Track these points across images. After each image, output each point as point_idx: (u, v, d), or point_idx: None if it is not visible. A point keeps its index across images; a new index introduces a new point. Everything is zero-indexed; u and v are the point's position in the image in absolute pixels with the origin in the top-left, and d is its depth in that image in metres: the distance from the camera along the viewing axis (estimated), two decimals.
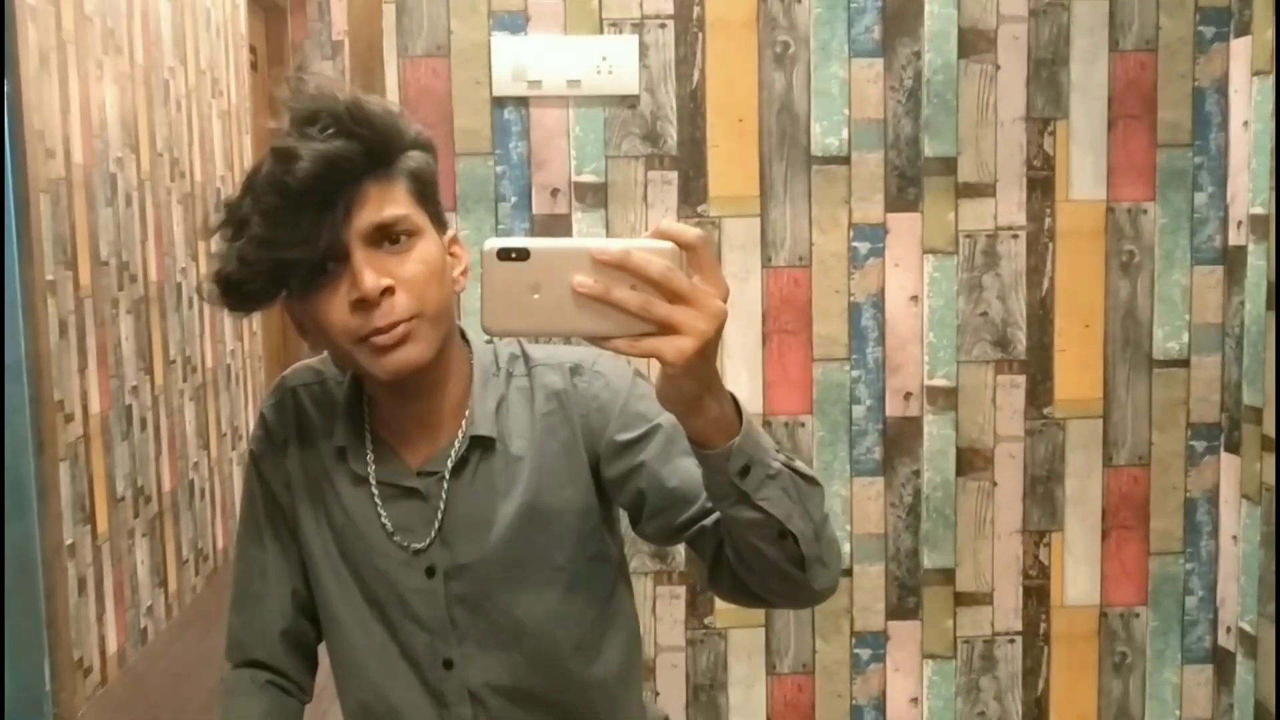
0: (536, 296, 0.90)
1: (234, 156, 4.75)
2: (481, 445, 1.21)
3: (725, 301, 0.91)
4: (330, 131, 1.10)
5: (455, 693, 1.23)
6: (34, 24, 2.92)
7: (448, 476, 1.20)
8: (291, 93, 1.13)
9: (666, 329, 0.89)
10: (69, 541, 3.04)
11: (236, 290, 1.13)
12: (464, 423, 1.21)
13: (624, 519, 1.26)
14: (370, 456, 1.22)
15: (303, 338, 1.20)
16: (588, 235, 1.98)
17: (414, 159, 1.15)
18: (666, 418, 1.18)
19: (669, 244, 0.90)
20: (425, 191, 1.16)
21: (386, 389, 1.19)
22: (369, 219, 1.11)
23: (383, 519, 1.21)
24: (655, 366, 0.92)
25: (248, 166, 4.92)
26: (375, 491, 1.22)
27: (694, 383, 0.93)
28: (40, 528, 2.88)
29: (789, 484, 1.01)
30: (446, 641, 1.22)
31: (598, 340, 0.92)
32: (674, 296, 0.89)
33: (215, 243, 1.15)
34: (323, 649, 1.32)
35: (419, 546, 1.21)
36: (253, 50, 5.07)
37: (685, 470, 1.14)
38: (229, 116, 4.69)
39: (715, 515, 1.10)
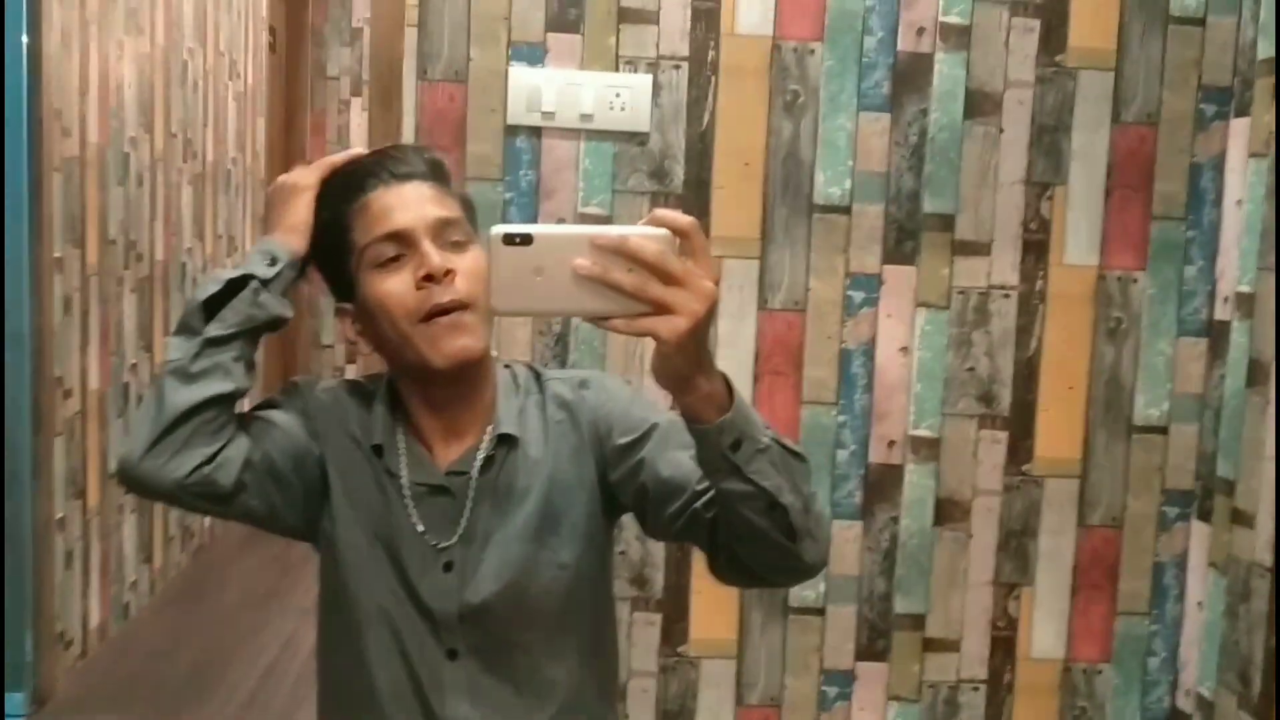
0: (540, 279, 0.97)
1: (247, 138, 4.79)
2: (507, 444, 1.29)
3: (716, 284, 0.99)
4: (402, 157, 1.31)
5: (454, 684, 1.29)
6: (59, 4, 2.96)
7: (475, 475, 1.28)
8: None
9: (661, 309, 0.97)
10: (59, 515, 3.08)
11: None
12: (491, 425, 1.30)
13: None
14: (403, 457, 1.30)
15: (358, 337, 1.30)
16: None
17: (465, 195, 1.32)
18: (664, 418, 1.27)
19: (664, 230, 0.98)
20: (473, 220, 1.31)
21: (424, 391, 1.28)
22: (434, 212, 1.25)
23: (412, 517, 1.29)
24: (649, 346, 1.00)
25: (260, 149, 4.94)
26: (406, 489, 1.29)
27: (686, 360, 1.01)
28: (32, 501, 2.92)
29: (778, 458, 1.08)
30: (452, 633, 1.28)
31: (597, 320, 0.99)
32: (668, 278, 0.97)
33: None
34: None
35: (443, 544, 1.28)
36: (271, 31, 5.10)
37: (678, 462, 1.21)
38: (245, 98, 4.72)
39: (706, 498, 1.16)
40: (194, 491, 1.25)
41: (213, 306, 1.26)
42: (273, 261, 1.26)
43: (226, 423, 1.26)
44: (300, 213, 1.29)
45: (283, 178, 1.32)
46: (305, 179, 1.30)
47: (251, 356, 1.28)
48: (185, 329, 1.26)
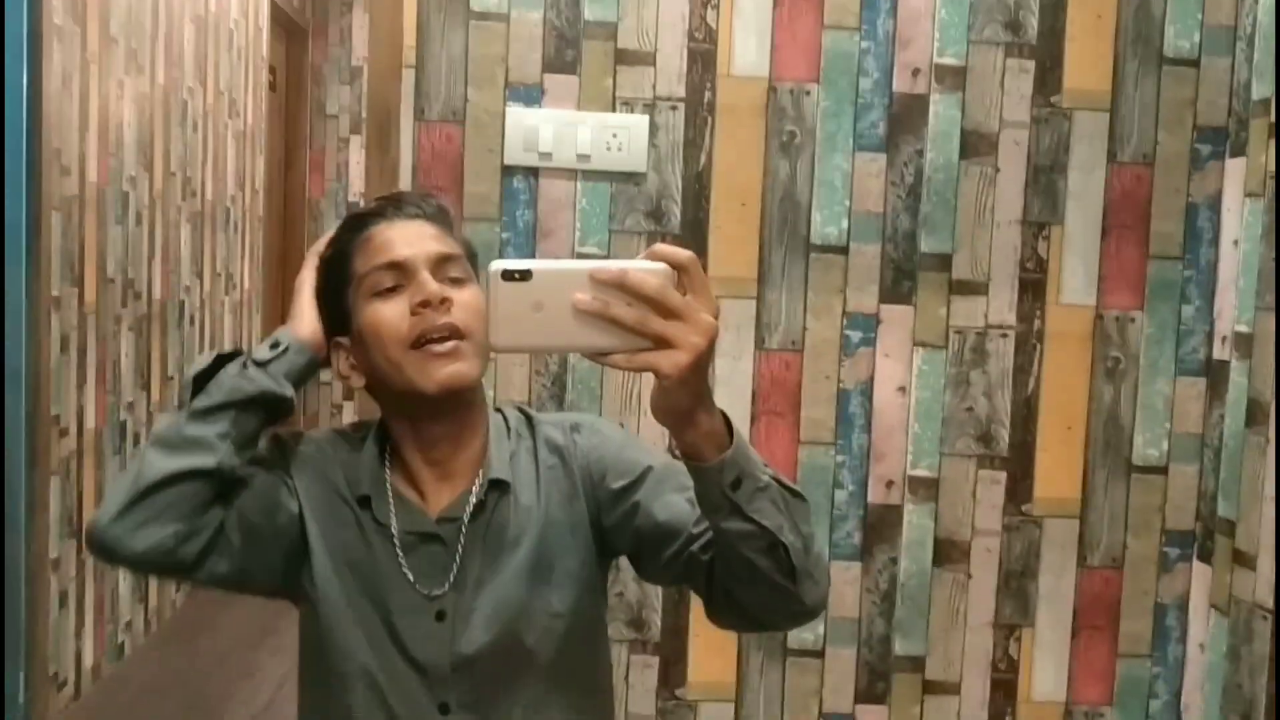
0: (539, 314, 0.97)
1: (247, 176, 4.80)
2: (498, 490, 1.28)
3: (716, 318, 0.99)
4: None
5: None
6: (60, 44, 2.97)
7: (466, 521, 1.27)
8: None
9: (661, 343, 0.97)
10: (54, 555, 3.06)
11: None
12: (481, 471, 1.28)
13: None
14: (392, 506, 1.28)
15: (351, 371, 1.29)
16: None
17: (467, 241, 1.33)
18: (658, 461, 1.27)
19: (662, 264, 0.98)
20: (474, 264, 1.31)
21: (415, 430, 1.27)
22: (435, 247, 1.26)
23: (403, 566, 1.27)
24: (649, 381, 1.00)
25: (259, 187, 4.95)
26: (396, 540, 1.27)
27: (687, 395, 1.00)
28: (27, 540, 2.91)
29: (778, 497, 1.08)
30: (444, 686, 1.26)
31: (597, 355, 0.99)
32: (668, 312, 0.97)
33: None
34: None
35: (435, 593, 1.26)
36: (271, 70, 5.13)
37: (674, 505, 1.21)
38: (244, 137, 4.74)
39: (703, 541, 1.15)
40: (156, 562, 1.23)
41: (204, 383, 1.25)
42: (275, 345, 1.27)
43: (204, 501, 1.23)
44: (302, 299, 1.31)
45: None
46: (303, 273, 1.33)
47: (245, 435, 1.24)
48: (178, 403, 1.26)
